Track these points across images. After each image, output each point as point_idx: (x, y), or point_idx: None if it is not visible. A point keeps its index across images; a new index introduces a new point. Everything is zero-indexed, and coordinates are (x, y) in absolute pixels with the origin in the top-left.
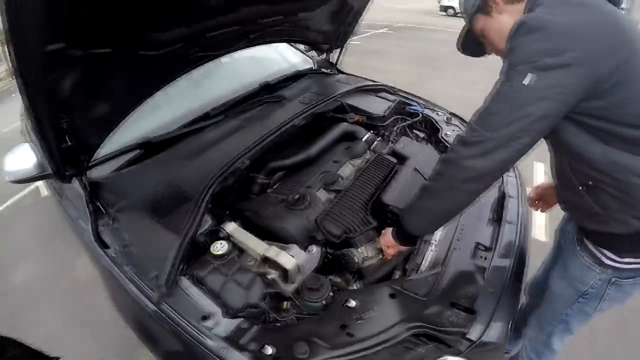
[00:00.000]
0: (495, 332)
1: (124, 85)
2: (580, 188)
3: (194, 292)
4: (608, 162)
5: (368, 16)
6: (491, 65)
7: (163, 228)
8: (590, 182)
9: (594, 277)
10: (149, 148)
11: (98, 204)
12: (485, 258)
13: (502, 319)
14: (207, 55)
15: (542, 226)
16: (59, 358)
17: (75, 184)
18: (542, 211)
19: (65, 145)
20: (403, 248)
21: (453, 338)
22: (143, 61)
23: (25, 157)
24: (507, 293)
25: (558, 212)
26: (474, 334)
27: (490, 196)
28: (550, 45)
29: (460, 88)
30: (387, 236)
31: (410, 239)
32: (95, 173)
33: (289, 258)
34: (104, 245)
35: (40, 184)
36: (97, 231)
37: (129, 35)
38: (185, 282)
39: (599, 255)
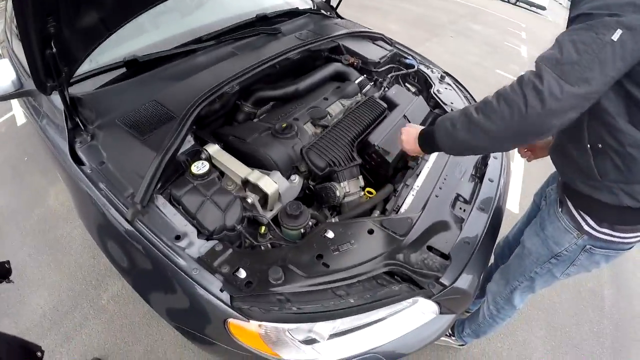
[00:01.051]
0: (467, 280)
1: None
2: (589, 146)
3: (169, 211)
4: (629, 135)
5: None
6: (487, 39)
7: (143, 145)
8: (600, 145)
9: (570, 240)
10: (135, 67)
11: (77, 119)
12: (464, 210)
13: (475, 269)
14: None
15: (515, 198)
16: (40, 347)
17: (56, 101)
18: (528, 160)
19: (50, 52)
20: (417, 150)
21: (426, 281)
22: None
23: (2, 73)
24: (481, 246)
25: (531, 186)
26: (447, 279)
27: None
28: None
29: (453, 55)
30: (412, 131)
31: (432, 148)
32: (77, 89)
33: (270, 182)
34: (78, 162)
35: (17, 111)
36: (72, 147)
37: None
38: (161, 201)
39: (579, 219)
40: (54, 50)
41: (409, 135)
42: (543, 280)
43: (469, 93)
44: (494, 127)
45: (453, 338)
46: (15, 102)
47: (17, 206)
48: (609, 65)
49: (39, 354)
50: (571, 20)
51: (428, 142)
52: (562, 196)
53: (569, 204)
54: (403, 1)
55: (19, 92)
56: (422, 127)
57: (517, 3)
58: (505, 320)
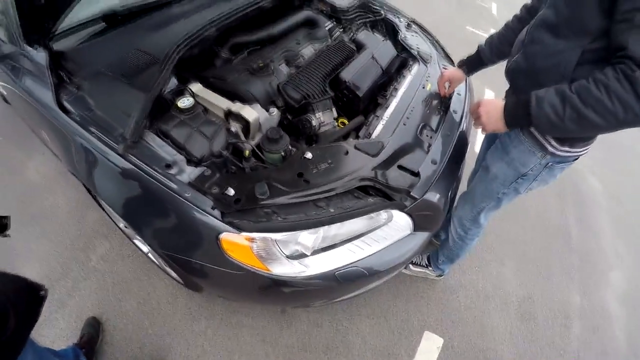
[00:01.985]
0: (435, 195)
1: None
2: (567, 81)
3: (158, 143)
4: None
5: None
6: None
7: (129, 88)
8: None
9: (535, 161)
10: (113, 21)
11: (61, 73)
12: (431, 137)
13: (442, 186)
14: None
15: (480, 139)
16: (43, 286)
17: (38, 57)
18: (446, 95)
19: (38, 3)
20: (499, 127)
21: (398, 195)
22: None
23: None
24: (447, 165)
25: None
26: (417, 193)
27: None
28: None
29: (423, 12)
30: (492, 112)
31: (521, 119)
32: (58, 46)
33: (251, 111)
34: (65, 112)
35: None
36: (59, 99)
37: None
38: (150, 136)
39: (543, 142)
40: (42, 1)
41: (490, 116)
42: (509, 199)
43: (435, 39)
44: (606, 124)
45: (430, 269)
46: None
47: None
48: None
49: (42, 292)
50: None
51: (520, 123)
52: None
53: (533, 130)
54: None
55: None
56: (503, 104)
57: None
58: (474, 240)
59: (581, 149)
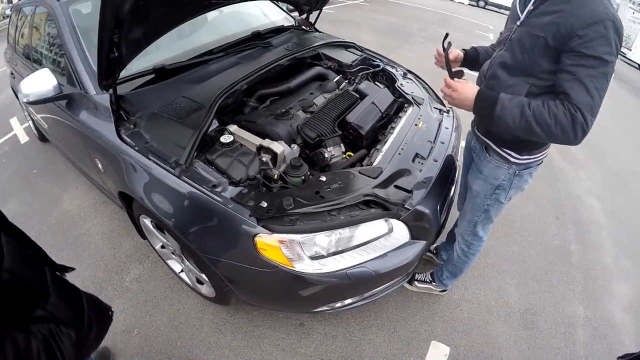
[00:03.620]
0: (425, 207)
1: (157, 15)
2: None
3: (205, 169)
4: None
5: None
6: (455, 42)
7: (180, 126)
8: None
9: (504, 173)
10: (162, 74)
11: (121, 112)
12: (422, 163)
13: (431, 201)
14: (220, 2)
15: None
16: (110, 307)
17: (99, 98)
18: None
19: (113, 56)
20: (467, 107)
21: (394, 207)
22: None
23: (44, 80)
24: (435, 184)
25: None
26: (409, 205)
27: (431, 128)
28: None
29: (421, 59)
30: (469, 94)
31: (485, 119)
32: (118, 90)
33: (279, 146)
34: (125, 144)
35: (18, 131)
36: (119, 133)
37: None
38: (199, 164)
39: (506, 155)
40: (116, 54)
41: (462, 100)
42: (495, 209)
43: (427, 84)
44: (545, 138)
45: (434, 284)
46: (15, 123)
47: (32, 212)
48: None
49: (110, 312)
50: (578, 53)
51: (485, 114)
52: (487, 144)
53: (494, 147)
54: (375, 12)
55: (59, 96)
56: (475, 97)
57: (486, 7)
58: (476, 255)
59: (539, 155)
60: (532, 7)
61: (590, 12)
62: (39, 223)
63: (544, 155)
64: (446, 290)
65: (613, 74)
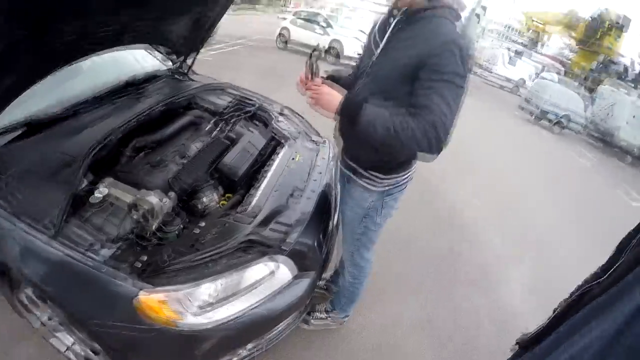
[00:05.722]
0: (307, 238)
1: (28, 63)
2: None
3: (80, 230)
4: None
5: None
6: None
7: (54, 185)
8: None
9: (372, 194)
10: (33, 127)
11: None
12: (300, 196)
13: (311, 231)
14: (94, 48)
15: None
16: None
17: None
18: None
19: None
20: (332, 113)
21: (276, 243)
22: (45, 46)
23: None
24: (313, 216)
25: None
26: (291, 238)
27: (307, 161)
28: None
29: (297, 99)
30: (334, 101)
31: (350, 122)
32: None
33: (153, 197)
34: None
35: None
36: None
37: (41, 23)
38: (74, 223)
39: (373, 177)
40: None
41: (330, 97)
42: (372, 231)
43: (304, 118)
44: (400, 148)
45: (330, 319)
46: None
47: None
48: None
49: None
50: (434, 72)
51: (350, 114)
52: (353, 169)
53: (361, 170)
54: (250, 57)
55: None
56: (340, 105)
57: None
58: (367, 277)
59: (405, 173)
60: (390, 36)
61: (442, 38)
62: None
63: (410, 173)
64: (347, 316)
65: (467, 90)
